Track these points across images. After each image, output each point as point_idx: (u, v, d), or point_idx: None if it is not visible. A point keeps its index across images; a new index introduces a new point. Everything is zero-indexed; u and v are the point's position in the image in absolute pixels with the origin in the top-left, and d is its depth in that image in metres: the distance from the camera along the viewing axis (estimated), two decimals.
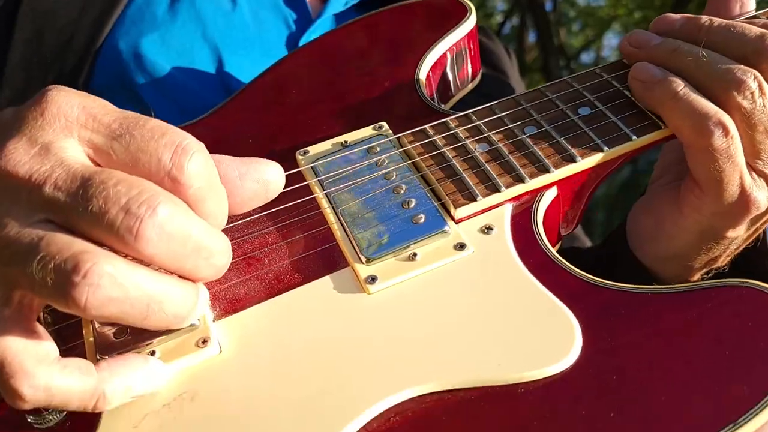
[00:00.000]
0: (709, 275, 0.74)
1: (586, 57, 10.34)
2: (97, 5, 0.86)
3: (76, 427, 0.47)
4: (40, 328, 0.43)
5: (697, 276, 0.74)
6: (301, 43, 0.93)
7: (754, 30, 0.60)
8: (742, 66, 0.58)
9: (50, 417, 0.47)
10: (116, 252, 0.40)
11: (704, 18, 0.63)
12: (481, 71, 0.84)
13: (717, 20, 0.62)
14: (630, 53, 0.67)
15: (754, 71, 0.57)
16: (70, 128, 0.41)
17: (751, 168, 0.60)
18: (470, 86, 0.83)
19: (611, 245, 0.82)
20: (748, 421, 0.43)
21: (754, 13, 0.69)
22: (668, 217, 0.67)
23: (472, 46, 0.79)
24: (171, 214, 0.40)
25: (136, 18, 0.87)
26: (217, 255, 0.44)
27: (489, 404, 0.47)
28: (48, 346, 0.42)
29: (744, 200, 0.61)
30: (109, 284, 0.38)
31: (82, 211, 0.39)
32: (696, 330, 0.49)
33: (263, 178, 0.48)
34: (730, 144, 0.57)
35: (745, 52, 0.59)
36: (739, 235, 0.67)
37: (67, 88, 0.44)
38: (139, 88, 0.84)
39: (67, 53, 0.84)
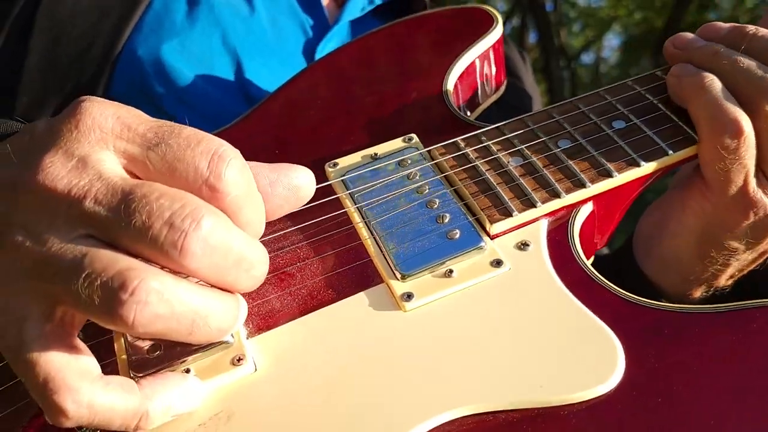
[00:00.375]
0: (708, 293, 0.74)
1: (587, 58, 10.35)
2: (116, 12, 0.85)
3: None
4: (82, 345, 0.42)
5: (698, 292, 0.74)
6: (318, 49, 0.92)
7: None
8: None
9: None
10: (159, 266, 0.39)
11: (750, 27, 0.63)
12: (506, 81, 0.83)
13: (762, 30, 0.62)
14: (672, 54, 0.67)
15: None
16: (106, 139, 0.41)
17: (764, 175, 0.60)
18: (494, 97, 0.82)
19: (617, 258, 0.81)
20: None
21: None
22: (673, 214, 0.67)
23: (497, 56, 0.78)
24: (214, 226, 0.39)
25: (155, 25, 0.86)
26: (257, 266, 0.43)
27: (532, 426, 0.46)
28: (91, 363, 0.42)
29: (746, 202, 0.60)
30: (157, 301, 0.37)
31: (125, 226, 0.38)
32: (742, 352, 0.48)
33: (293, 184, 0.47)
34: (740, 145, 0.57)
35: None
36: (738, 248, 0.66)
37: (100, 99, 0.43)
38: (158, 95, 0.83)
39: (85, 60, 0.83)
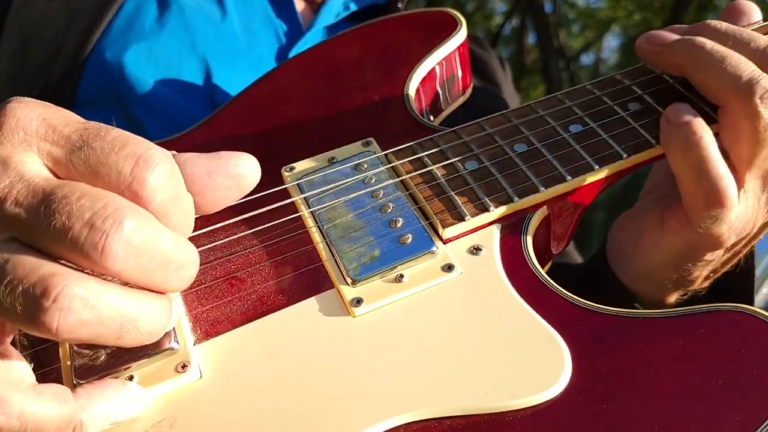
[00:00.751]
0: (686, 296, 0.73)
1: (586, 59, 10.32)
2: (86, 16, 0.85)
3: None
4: (14, 352, 0.42)
5: (673, 296, 0.73)
6: (290, 54, 0.92)
7: (762, 38, 0.59)
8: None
9: None
10: (83, 269, 0.38)
11: (715, 22, 0.61)
12: (472, 85, 0.82)
13: (726, 24, 0.61)
14: (646, 50, 0.65)
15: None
16: (29, 141, 0.40)
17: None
18: (460, 100, 0.81)
19: (594, 263, 0.81)
20: None
21: (760, 24, 0.68)
22: (650, 231, 0.66)
23: (462, 60, 0.78)
24: (137, 227, 0.38)
25: (125, 28, 0.86)
26: (186, 266, 0.42)
27: None
28: (23, 371, 0.41)
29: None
30: (81, 307, 0.36)
31: (45, 227, 0.37)
32: (689, 357, 0.48)
33: (234, 172, 0.45)
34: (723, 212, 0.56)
35: (753, 57, 0.57)
36: (716, 258, 0.65)
37: (28, 99, 0.42)
38: (125, 99, 0.82)
39: (53, 65, 0.83)
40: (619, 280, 0.73)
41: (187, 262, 0.42)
